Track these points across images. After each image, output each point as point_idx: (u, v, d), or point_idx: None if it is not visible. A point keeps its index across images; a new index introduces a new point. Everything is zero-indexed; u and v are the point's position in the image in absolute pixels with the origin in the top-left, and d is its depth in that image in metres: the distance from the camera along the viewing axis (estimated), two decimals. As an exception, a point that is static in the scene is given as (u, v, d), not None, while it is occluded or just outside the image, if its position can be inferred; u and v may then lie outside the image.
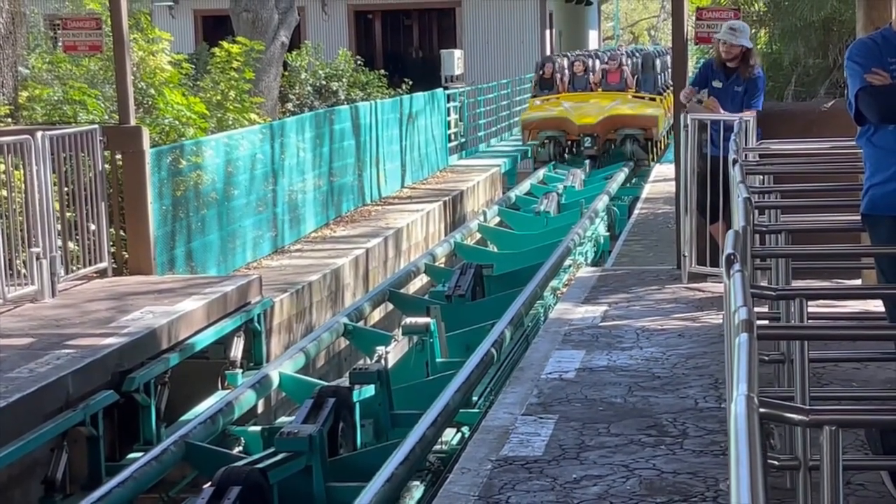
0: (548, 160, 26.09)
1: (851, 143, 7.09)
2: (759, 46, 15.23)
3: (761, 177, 7.43)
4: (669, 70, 30.24)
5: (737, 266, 4.23)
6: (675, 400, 7.48)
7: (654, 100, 27.41)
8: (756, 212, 6.28)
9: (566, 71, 27.95)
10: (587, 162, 25.64)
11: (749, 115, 10.05)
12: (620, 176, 23.36)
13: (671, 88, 28.07)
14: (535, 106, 27.51)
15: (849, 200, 6.28)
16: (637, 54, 29.80)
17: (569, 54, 29.49)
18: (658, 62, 29.42)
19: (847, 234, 6.98)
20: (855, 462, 5.08)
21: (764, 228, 6.18)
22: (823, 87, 13.85)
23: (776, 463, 4.74)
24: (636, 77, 27.87)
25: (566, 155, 26.58)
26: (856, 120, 5.78)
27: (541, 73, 28.12)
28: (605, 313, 9.91)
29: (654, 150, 26.80)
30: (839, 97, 11.92)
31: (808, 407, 3.74)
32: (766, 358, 5.94)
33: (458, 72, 28.80)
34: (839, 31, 13.92)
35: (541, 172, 24.85)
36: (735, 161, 6.87)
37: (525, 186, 23.31)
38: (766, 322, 5.87)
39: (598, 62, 28.48)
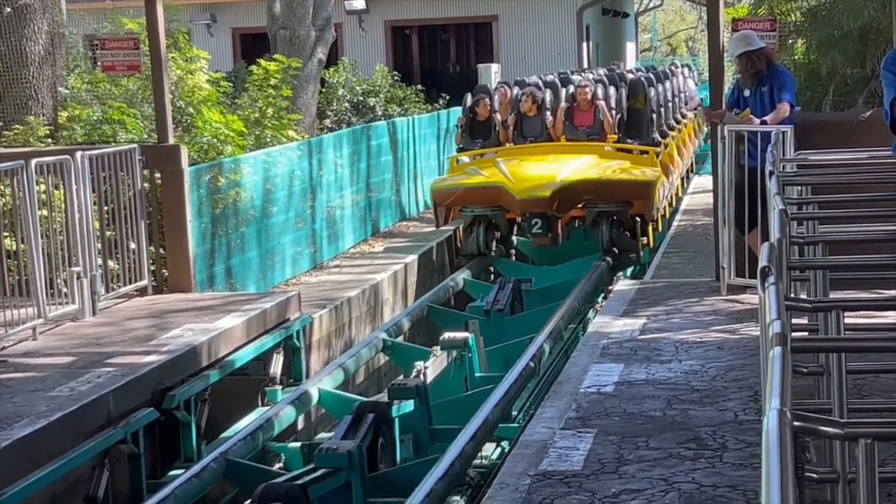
0: (476, 253, 16.36)
1: (890, 153, 7.07)
2: (796, 57, 15.19)
3: (799, 188, 7.40)
4: (678, 97, 22.45)
5: (771, 278, 4.22)
6: (715, 413, 7.45)
7: (646, 153, 17.16)
8: (794, 223, 6.25)
9: (511, 110, 18.32)
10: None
11: (786, 126, 10.00)
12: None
13: (679, 126, 21.03)
14: (456, 167, 17.59)
15: (887, 210, 6.26)
16: (623, 81, 19.23)
17: (521, 81, 20.04)
18: (659, 91, 19.33)
19: (886, 244, 6.95)
20: (894, 475, 5.04)
21: (801, 240, 6.16)
22: (862, 97, 13.78)
23: (815, 476, 4.72)
24: (619, 116, 17.96)
25: (512, 241, 16.94)
26: (892, 129, 5.77)
27: (470, 114, 18.43)
28: (644, 326, 9.89)
29: (648, 233, 16.60)
30: (877, 107, 11.86)
31: (843, 420, 3.73)
32: (805, 370, 5.91)
33: (495, 86, 28.73)
34: (877, 41, 13.86)
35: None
36: (771, 172, 6.85)
37: None
38: (804, 334, 5.85)
39: (563, 92, 18.38)
